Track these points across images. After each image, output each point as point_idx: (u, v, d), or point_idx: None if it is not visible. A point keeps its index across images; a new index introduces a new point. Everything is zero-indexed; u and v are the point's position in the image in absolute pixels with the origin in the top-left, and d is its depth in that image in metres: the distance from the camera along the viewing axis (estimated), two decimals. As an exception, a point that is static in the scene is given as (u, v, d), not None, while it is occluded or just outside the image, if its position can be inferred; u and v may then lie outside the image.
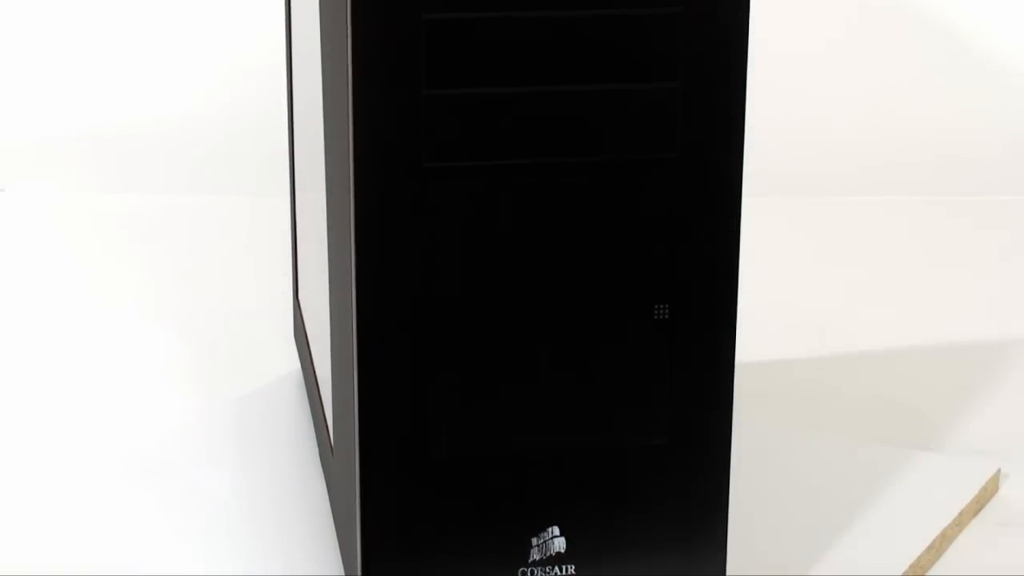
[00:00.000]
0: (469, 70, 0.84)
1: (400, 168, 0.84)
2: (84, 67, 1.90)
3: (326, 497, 1.09)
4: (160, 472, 1.14)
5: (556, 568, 0.91)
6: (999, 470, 1.13)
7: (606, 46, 0.85)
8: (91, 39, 1.91)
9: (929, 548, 1.02)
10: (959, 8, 1.89)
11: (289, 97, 1.26)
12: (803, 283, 1.54)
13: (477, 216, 0.86)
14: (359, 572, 0.90)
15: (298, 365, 1.29)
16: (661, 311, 0.89)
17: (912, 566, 1.00)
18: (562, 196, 0.86)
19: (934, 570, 1.03)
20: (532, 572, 0.91)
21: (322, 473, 1.12)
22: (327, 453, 1.06)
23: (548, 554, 0.91)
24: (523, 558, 0.91)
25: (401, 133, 0.84)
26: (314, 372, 1.14)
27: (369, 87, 0.83)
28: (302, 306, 1.23)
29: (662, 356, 0.89)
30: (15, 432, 1.21)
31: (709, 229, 0.88)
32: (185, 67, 1.90)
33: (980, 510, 1.09)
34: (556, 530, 0.91)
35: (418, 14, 0.82)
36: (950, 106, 1.87)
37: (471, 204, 0.86)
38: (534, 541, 0.91)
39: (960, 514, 1.06)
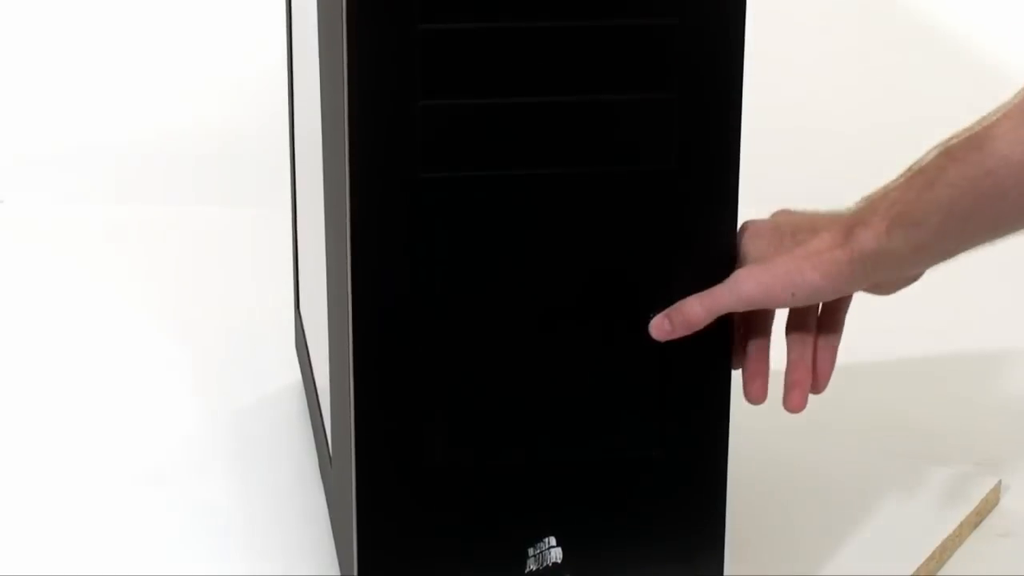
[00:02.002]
0: (465, 80, 0.84)
1: (396, 178, 0.84)
2: (84, 79, 1.90)
3: (325, 507, 1.09)
4: (161, 482, 1.14)
5: (553, 578, 0.91)
6: (999, 482, 1.12)
7: (602, 57, 0.85)
8: (92, 51, 1.91)
9: (929, 559, 1.02)
10: (963, 17, 1.89)
11: (290, 109, 1.27)
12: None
13: (473, 227, 0.86)
14: (356, 582, 0.91)
15: (299, 376, 1.29)
16: (658, 321, 0.89)
17: (911, 577, 1.01)
18: (557, 207, 0.86)
19: (934, 581, 1.03)
20: (529, 582, 0.91)
21: (321, 484, 1.12)
22: (326, 463, 1.06)
23: (545, 564, 0.91)
24: (520, 568, 0.91)
25: (397, 143, 0.84)
26: (314, 383, 1.14)
27: (365, 97, 0.83)
28: (303, 317, 1.23)
29: (658, 366, 0.89)
30: (17, 441, 1.21)
31: (705, 240, 0.88)
32: (186, 79, 1.90)
33: (980, 521, 1.09)
34: (553, 540, 0.91)
35: (414, 24, 0.82)
36: (953, 118, 1.87)
37: (467, 215, 0.85)
38: (531, 551, 0.91)
39: (960, 525, 1.06)
